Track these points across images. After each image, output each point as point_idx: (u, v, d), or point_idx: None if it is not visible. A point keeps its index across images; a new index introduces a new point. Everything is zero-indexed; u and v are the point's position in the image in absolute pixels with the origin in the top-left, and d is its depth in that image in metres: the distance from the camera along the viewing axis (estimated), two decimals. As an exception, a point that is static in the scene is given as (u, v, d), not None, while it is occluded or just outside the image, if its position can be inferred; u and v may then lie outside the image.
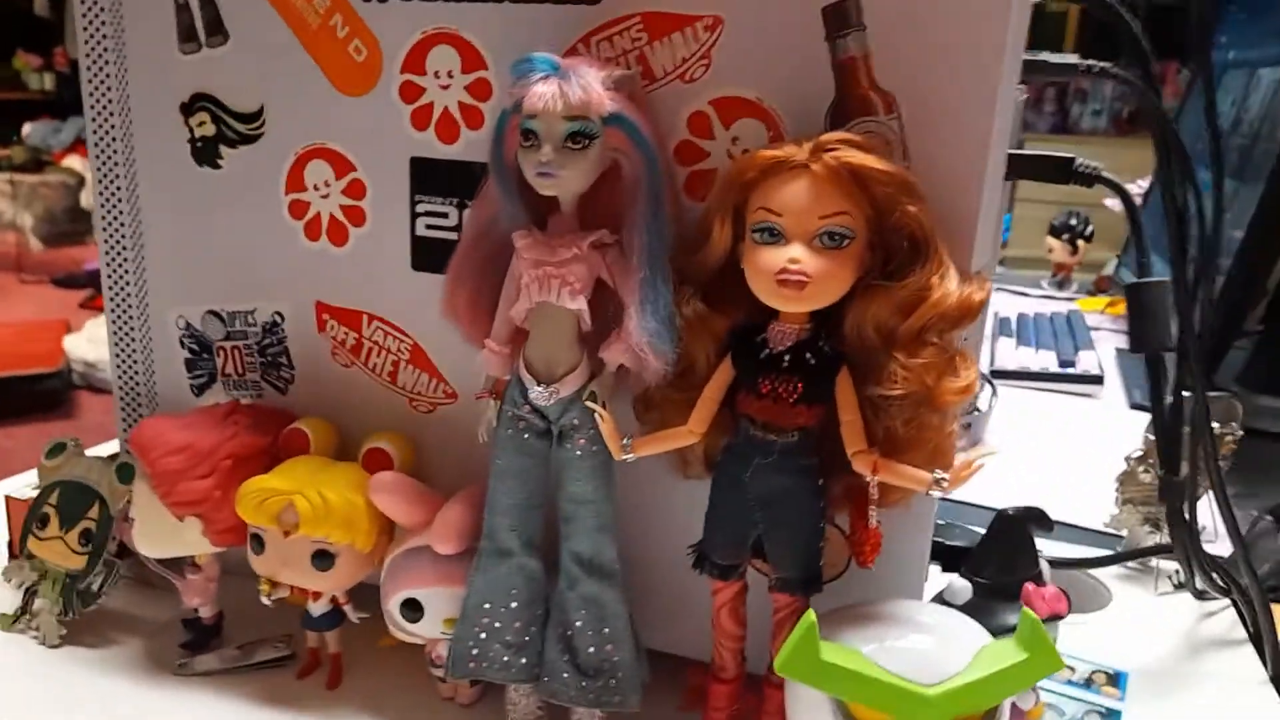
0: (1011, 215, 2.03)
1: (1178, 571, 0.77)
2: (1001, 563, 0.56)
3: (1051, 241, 1.80)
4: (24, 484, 0.74)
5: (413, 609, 0.57)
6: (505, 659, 0.54)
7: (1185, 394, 0.63)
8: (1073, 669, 0.66)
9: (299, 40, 0.60)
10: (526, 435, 0.53)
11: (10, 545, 0.71)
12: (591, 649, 0.53)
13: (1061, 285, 1.82)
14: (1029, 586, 0.55)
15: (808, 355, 0.48)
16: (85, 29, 0.65)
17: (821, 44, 0.49)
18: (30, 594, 0.67)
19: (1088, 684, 0.65)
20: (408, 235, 0.60)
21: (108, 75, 0.65)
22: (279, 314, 0.66)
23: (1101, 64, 0.56)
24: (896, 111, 0.48)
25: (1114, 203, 2.13)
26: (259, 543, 0.58)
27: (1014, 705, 0.49)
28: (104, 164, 0.67)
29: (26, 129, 5.41)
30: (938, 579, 0.63)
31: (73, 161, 5.25)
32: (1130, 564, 0.79)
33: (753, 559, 0.53)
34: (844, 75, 0.49)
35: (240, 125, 0.63)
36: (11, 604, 0.67)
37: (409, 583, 0.57)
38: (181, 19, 0.62)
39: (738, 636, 0.54)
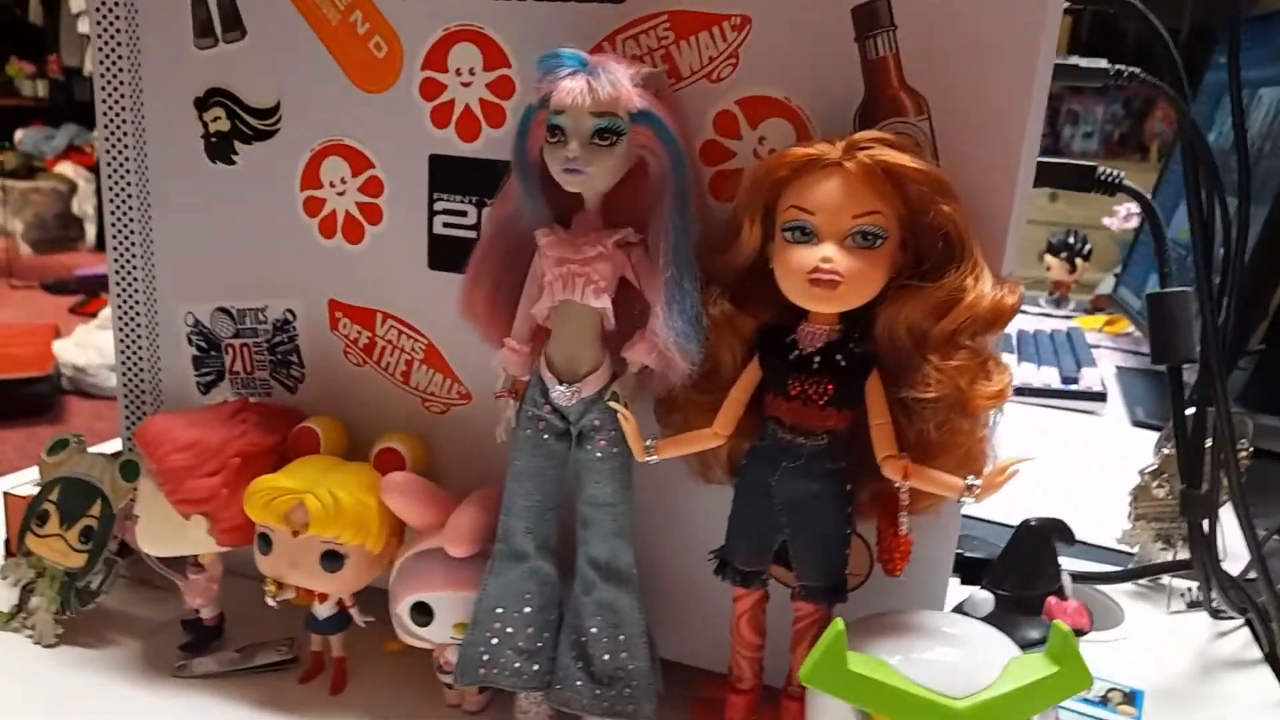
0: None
1: (1190, 589, 0.76)
2: (1023, 575, 0.55)
3: (1050, 260, 1.81)
4: (21, 483, 0.72)
5: (423, 613, 0.56)
6: (516, 665, 0.53)
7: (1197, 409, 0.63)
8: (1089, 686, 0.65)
9: (317, 36, 0.59)
10: (546, 436, 0.52)
11: (7, 542, 0.69)
12: (606, 656, 0.52)
13: (1059, 303, 1.83)
14: (1051, 600, 0.55)
15: (838, 357, 0.47)
16: (98, 23, 0.64)
17: (851, 43, 0.49)
18: (27, 592, 0.65)
19: (1104, 702, 0.64)
20: (425, 233, 0.59)
21: (120, 69, 0.65)
22: (290, 311, 0.65)
23: (1131, 69, 0.55)
24: (927, 113, 0.48)
25: (1111, 221, 2.12)
26: (266, 542, 0.57)
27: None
28: (114, 159, 0.66)
29: (19, 135, 5.40)
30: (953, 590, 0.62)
31: (65, 168, 5.24)
32: (1142, 581, 0.78)
33: (773, 567, 0.52)
34: (874, 75, 0.49)
35: (256, 121, 0.62)
36: (7, 602, 0.65)
37: (419, 586, 0.56)
38: (198, 13, 0.62)
39: (757, 646, 0.53)
